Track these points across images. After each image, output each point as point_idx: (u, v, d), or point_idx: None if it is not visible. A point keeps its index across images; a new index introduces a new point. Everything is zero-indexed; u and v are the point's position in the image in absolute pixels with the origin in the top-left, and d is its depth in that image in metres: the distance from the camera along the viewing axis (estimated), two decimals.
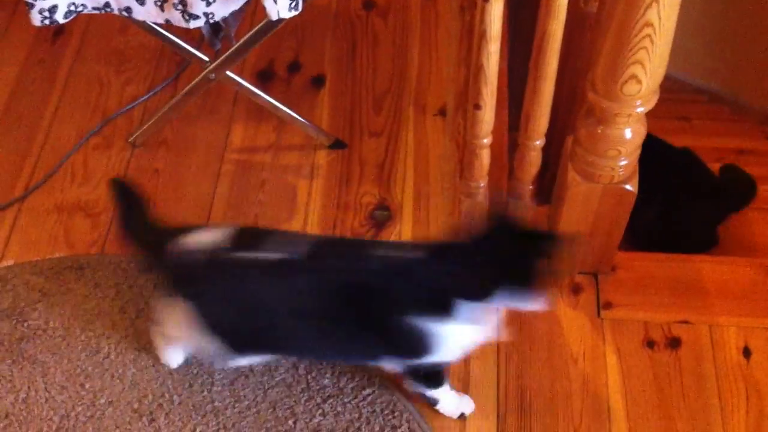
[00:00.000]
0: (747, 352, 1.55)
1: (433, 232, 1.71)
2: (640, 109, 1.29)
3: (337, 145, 1.83)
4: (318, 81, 1.97)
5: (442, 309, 1.18)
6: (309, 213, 1.74)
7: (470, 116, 1.38)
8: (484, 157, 1.45)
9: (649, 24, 1.15)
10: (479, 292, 1.15)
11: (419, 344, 1.22)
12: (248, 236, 1.28)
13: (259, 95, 1.75)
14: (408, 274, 1.19)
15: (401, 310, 1.19)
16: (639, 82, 1.23)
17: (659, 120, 3.39)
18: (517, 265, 1.13)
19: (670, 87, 4.34)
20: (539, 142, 1.44)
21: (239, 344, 1.32)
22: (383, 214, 1.73)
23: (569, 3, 1.25)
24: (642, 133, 1.36)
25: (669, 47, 1.21)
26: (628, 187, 1.43)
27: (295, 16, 1.44)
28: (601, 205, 1.46)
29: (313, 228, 1.71)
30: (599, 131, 1.34)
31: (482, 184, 1.52)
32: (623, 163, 1.39)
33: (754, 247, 1.88)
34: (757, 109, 3.38)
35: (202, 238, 1.26)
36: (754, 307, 1.61)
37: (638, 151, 1.40)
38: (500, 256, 1.14)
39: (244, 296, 1.25)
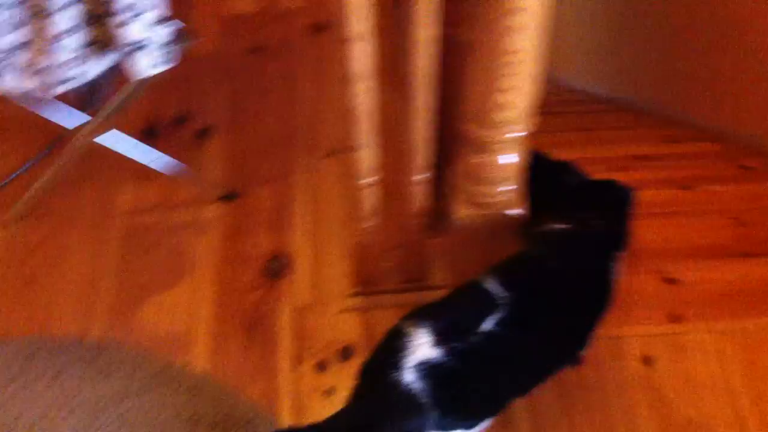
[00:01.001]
0: (647, 361, 1.57)
1: (331, 276, 1.69)
2: (516, 134, 1.30)
3: (228, 196, 1.80)
4: (206, 132, 1.94)
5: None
6: (201, 271, 1.70)
7: (351, 157, 1.37)
8: (369, 197, 1.44)
9: (514, 51, 1.17)
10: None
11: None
12: None
13: (142, 154, 1.71)
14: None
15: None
16: (511, 108, 1.24)
17: (563, 133, 3.47)
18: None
19: (574, 99, 4.46)
20: (420, 177, 1.43)
21: None
22: (278, 264, 1.70)
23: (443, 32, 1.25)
24: (523, 156, 1.37)
25: (539, 71, 1.23)
26: (515, 212, 1.44)
27: (177, 67, 1.41)
28: (491, 232, 1.47)
29: (205, 286, 1.68)
30: (478, 160, 1.34)
31: (373, 224, 1.51)
32: (507, 188, 1.40)
33: (643, 254, 1.91)
34: (656, 114, 3.47)
35: None
36: (648, 315, 1.63)
37: (522, 175, 1.41)
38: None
39: None
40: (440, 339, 1.17)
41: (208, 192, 1.79)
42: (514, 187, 1.40)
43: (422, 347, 1.16)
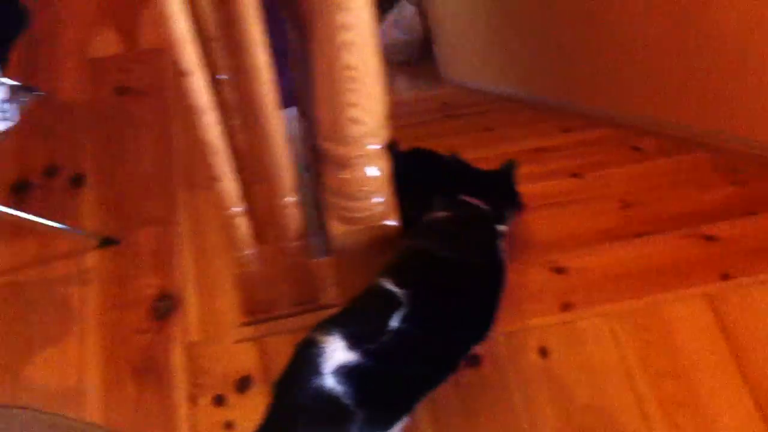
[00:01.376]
0: (543, 352, 1.58)
1: (221, 308, 1.66)
2: (372, 147, 1.29)
3: (107, 242, 1.75)
4: (79, 180, 1.89)
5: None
6: (87, 321, 1.65)
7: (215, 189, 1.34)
8: (241, 226, 1.42)
9: (349, 66, 1.16)
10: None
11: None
12: None
13: (7, 212, 1.66)
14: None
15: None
16: (360, 123, 1.23)
17: (468, 134, 3.48)
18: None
19: (477, 100, 4.47)
20: (292, 199, 1.41)
21: None
22: (165, 303, 1.66)
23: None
24: (385, 167, 1.36)
25: (381, 85, 1.22)
26: (389, 222, 1.43)
27: (44, 117, 1.37)
28: (370, 246, 1.45)
29: (92, 336, 1.63)
30: (341, 176, 1.33)
31: (250, 252, 1.49)
32: (378, 200, 1.39)
33: (533, 246, 1.92)
34: (553, 106, 3.53)
35: None
36: (541, 306, 1.64)
37: (391, 185, 1.41)
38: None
39: None
40: (353, 342, 1.17)
41: (87, 240, 1.74)
42: (383, 199, 1.39)
43: (337, 352, 1.16)
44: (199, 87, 1.17)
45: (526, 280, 1.68)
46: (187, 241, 1.76)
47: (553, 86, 3.55)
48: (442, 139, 3.36)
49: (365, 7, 1.11)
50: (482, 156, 2.92)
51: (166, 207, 1.83)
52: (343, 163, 1.31)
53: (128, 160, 1.92)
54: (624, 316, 1.61)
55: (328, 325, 1.21)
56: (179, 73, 1.15)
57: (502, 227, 1.51)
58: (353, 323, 1.23)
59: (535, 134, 3.21)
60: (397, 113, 4.30)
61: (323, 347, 1.17)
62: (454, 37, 5.11)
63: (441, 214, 1.47)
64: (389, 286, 1.28)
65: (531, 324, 1.61)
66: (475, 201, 1.50)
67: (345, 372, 1.15)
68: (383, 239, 1.44)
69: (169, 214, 1.81)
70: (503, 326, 1.60)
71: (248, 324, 1.63)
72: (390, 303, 1.24)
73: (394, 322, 1.22)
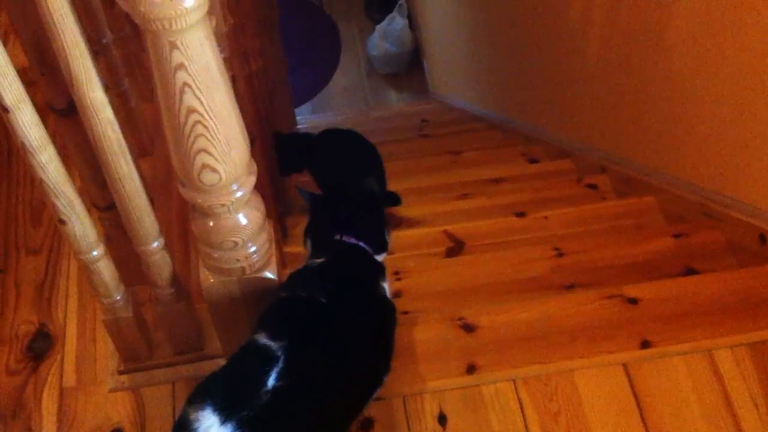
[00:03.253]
0: (443, 419, 1.45)
1: (100, 353, 1.54)
2: (238, 194, 1.17)
3: None
4: None
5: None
6: None
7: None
8: (102, 270, 1.29)
9: (192, 110, 1.04)
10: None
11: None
12: None
13: None
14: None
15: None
16: (214, 170, 1.11)
17: (434, 156, 3.36)
18: None
19: (457, 118, 4.37)
20: (157, 244, 1.29)
21: None
22: (43, 343, 1.54)
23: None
24: (256, 217, 1.24)
25: (235, 128, 1.10)
26: (267, 275, 1.31)
27: None
28: (246, 298, 1.33)
29: None
30: (207, 224, 1.21)
31: (118, 297, 1.37)
32: (251, 250, 1.27)
33: (452, 294, 1.80)
34: (521, 132, 3.42)
35: None
36: (444, 367, 1.51)
37: (264, 235, 1.28)
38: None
39: None
40: (226, 414, 1.06)
41: None
42: (255, 248, 1.26)
43: (212, 429, 1.05)
44: (29, 123, 1.05)
45: (430, 336, 1.55)
46: (73, 276, 1.63)
47: (525, 112, 3.43)
48: (409, 160, 3.25)
49: (205, 43, 0.98)
50: (442, 183, 2.82)
51: (56, 236, 1.70)
52: (206, 212, 1.18)
53: (21, 182, 1.80)
54: (531, 383, 1.48)
55: (200, 396, 1.10)
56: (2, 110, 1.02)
57: (383, 256, 1.38)
58: (226, 390, 1.12)
59: (498, 162, 3.09)
60: (375, 128, 4.20)
61: (196, 428, 1.06)
62: (439, 53, 5.00)
63: (315, 260, 1.35)
64: (263, 340, 1.16)
65: (431, 386, 1.49)
66: (350, 239, 1.37)
67: None
68: (260, 293, 1.32)
69: (58, 244, 1.69)
70: (400, 387, 1.48)
71: (125, 372, 1.51)
72: (265, 359, 1.13)
73: (271, 381, 1.10)
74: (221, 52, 1.41)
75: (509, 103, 3.68)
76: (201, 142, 1.07)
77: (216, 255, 1.26)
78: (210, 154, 1.09)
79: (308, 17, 5.83)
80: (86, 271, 1.29)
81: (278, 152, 2.46)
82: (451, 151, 3.36)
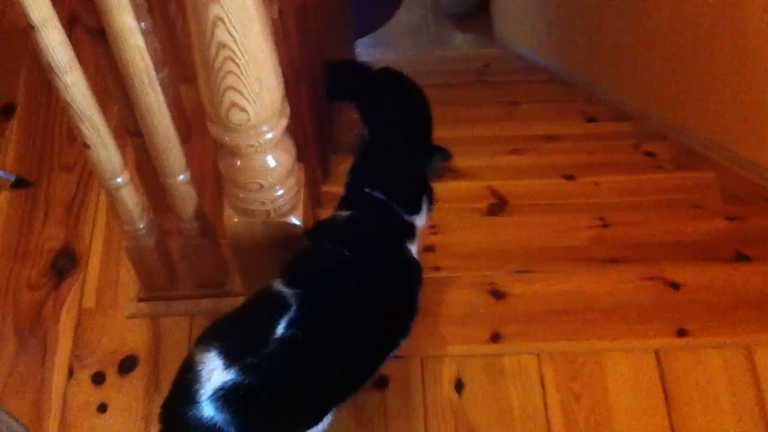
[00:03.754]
0: (460, 386, 1.41)
1: (122, 278, 1.52)
2: (267, 136, 1.12)
3: (20, 184, 1.62)
4: (7, 111, 1.75)
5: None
6: None
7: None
8: (125, 198, 1.26)
9: (223, 45, 0.98)
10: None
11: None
12: None
13: None
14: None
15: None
16: (242, 110, 1.05)
17: (491, 106, 3.27)
18: None
19: (520, 67, 4.23)
20: (183, 177, 1.25)
21: None
22: (66, 261, 1.53)
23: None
24: (285, 158, 1.18)
25: (269, 68, 1.04)
26: (292, 220, 1.26)
27: None
28: (269, 241, 1.29)
29: None
30: (234, 163, 1.16)
31: (141, 226, 1.33)
32: (277, 194, 1.22)
33: (485, 256, 1.73)
34: (585, 89, 3.30)
35: None
36: (468, 332, 1.46)
37: (293, 179, 1.23)
38: None
39: None
40: (230, 359, 1.02)
41: (1, 179, 1.61)
42: (281, 193, 1.21)
43: (215, 373, 1.02)
44: (56, 42, 1.00)
45: (458, 298, 1.50)
46: (103, 198, 1.61)
47: (590, 69, 3.30)
48: (464, 107, 3.16)
49: None
50: (494, 135, 2.73)
51: None
52: (233, 151, 1.13)
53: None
54: (557, 359, 1.42)
55: (208, 339, 1.06)
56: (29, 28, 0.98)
57: (415, 218, 1.32)
58: (234, 334, 1.08)
59: (555, 117, 2.98)
60: (435, 69, 4.10)
61: (200, 370, 1.02)
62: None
63: (342, 213, 1.29)
64: (278, 287, 1.12)
65: (451, 351, 1.44)
66: (379, 194, 1.30)
67: (223, 396, 1.01)
68: (284, 237, 1.27)
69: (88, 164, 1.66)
70: (421, 348, 1.43)
71: (145, 300, 1.49)
72: (278, 306, 1.08)
73: (281, 329, 1.06)
74: None
75: (574, 57, 3.54)
76: (231, 80, 1.02)
77: (241, 195, 1.21)
78: (239, 92, 1.03)
79: None
80: (109, 197, 1.26)
81: (327, 77, 2.40)
82: (508, 101, 3.27)
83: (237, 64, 1.00)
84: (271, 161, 1.16)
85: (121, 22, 1.00)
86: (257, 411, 1.05)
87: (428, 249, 1.74)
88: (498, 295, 1.49)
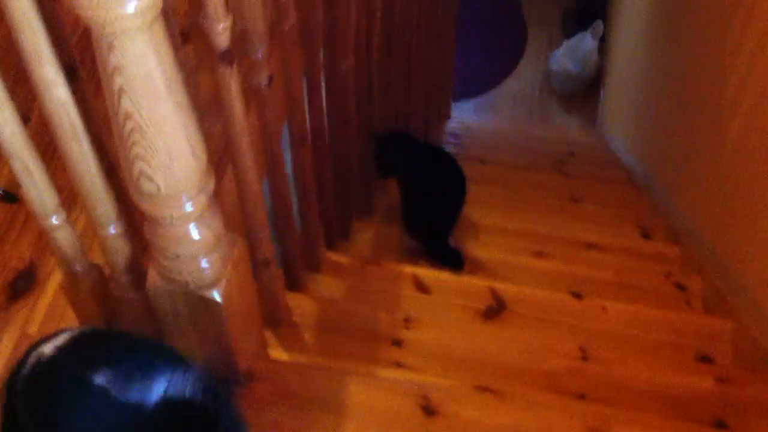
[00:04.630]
0: None
1: (70, 312, 1.51)
2: (184, 209, 1.09)
3: (7, 197, 1.64)
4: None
5: None
6: None
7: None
8: (59, 239, 1.25)
9: (129, 115, 0.96)
10: None
11: None
12: None
13: None
14: None
15: None
16: (151, 179, 1.03)
17: (548, 197, 3.16)
18: None
19: (605, 159, 4.09)
20: (113, 230, 1.24)
21: None
22: (25, 283, 1.54)
23: None
24: (207, 235, 1.15)
25: (181, 144, 1.01)
26: (212, 295, 1.22)
27: None
28: (192, 312, 1.26)
29: None
30: (153, 229, 1.14)
31: (78, 268, 1.33)
32: (198, 266, 1.19)
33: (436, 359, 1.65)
34: (654, 195, 3.15)
35: None
36: None
37: (216, 254, 1.20)
38: None
39: None
40: None
41: None
42: (202, 266, 1.18)
43: None
44: None
45: (386, 405, 1.42)
46: (80, 225, 1.61)
47: (664, 175, 3.15)
48: (521, 193, 3.08)
49: (148, 51, 0.90)
50: (529, 229, 2.62)
51: None
52: (147, 217, 1.11)
53: None
54: None
55: None
56: None
57: None
58: None
59: (610, 224, 2.86)
60: (519, 145, 4.02)
61: None
62: (618, 88, 4.70)
63: None
64: None
65: None
66: None
67: None
68: (203, 310, 1.24)
69: None
70: None
71: None
72: None
73: None
74: (257, 53, 1.33)
75: (652, 159, 3.41)
76: (137, 150, 0.99)
77: (162, 261, 1.18)
78: (147, 163, 1.01)
79: (500, 12, 5.66)
80: (46, 237, 1.26)
81: (374, 153, 2.39)
82: (571, 197, 3.16)
83: (143, 136, 0.98)
84: (190, 233, 1.14)
85: (40, 74, 1.00)
86: None
87: (395, 342, 1.67)
88: (430, 411, 1.41)
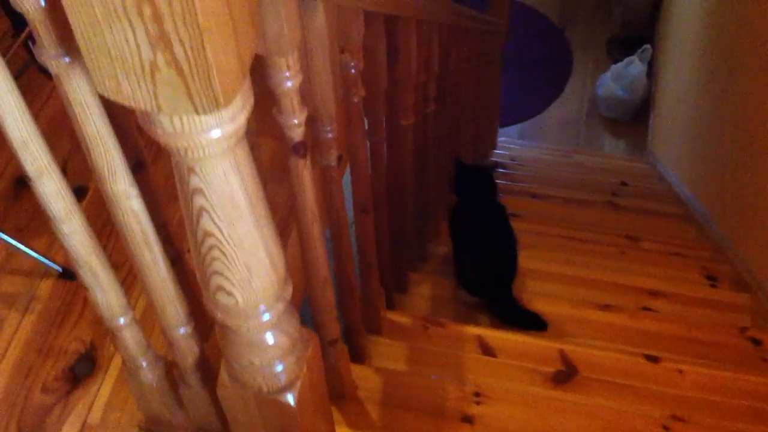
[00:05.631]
0: None
1: (132, 399, 1.47)
2: (260, 318, 1.04)
3: (66, 274, 1.60)
4: (80, 193, 1.75)
5: None
6: (6, 354, 1.51)
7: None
8: (126, 338, 1.21)
9: (209, 233, 0.91)
10: None
11: None
12: None
13: None
14: None
15: None
16: (229, 294, 0.98)
17: (604, 235, 3.07)
18: None
19: (659, 191, 3.99)
20: (183, 331, 1.19)
21: None
22: (85, 367, 1.49)
23: None
24: (283, 342, 1.10)
25: (260, 258, 0.96)
26: (287, 398, 1.17)
27: None
28: (263, 414, 1.20)
29: (3, 375, 1.48)
30: (227, 336, 1.09)
31: (144, 364, 1.28)
32: (272, 370, 1.13)
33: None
34: (717, 240, 3.05)
35: None
36: None
37: (292, 357, 1.14)
38: None
39: None
40: None
41: (48, 267, 1.60)
42: (276, 370, 1.13)
43: None
44: (49, 193, 0.97)
45: None
46: (140, 308, 1.57)
47: (726, 218, 3.05)
48: (575, 233, 2.99)
49: (230, 173, 0.85)
50: (590, 277, 2.54)
51: None
52: (221, 324, 1.06)
53: None
54: None
55: None
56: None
57: None
58: None
59: (672, 268, 2.76)
60: (568, 177, 3.93)
61: None
62: (669, 113, 4.59)
63: None
64: None
65: None
66: None
67: None
68: (276, 413, 1.18)
69: None
70: None
71: (145, 430, 1.43)
72: None
73: None
74: (327, 133, 1.28)
75: (713, 198, 3.30)
76: (216, 265, 0.94)
77: (235, 365, 1.13)
78: (226, 278, 0.96)
79: (544, 37, 5.59)
80: (111, 336, 1.21)
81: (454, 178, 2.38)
82: (628, 235, 3.07)
83: (223, 253, 0.93)
84: (266, 340, 1.08)
85: (115, 190, 0.95)
86: None
87: (466, 419, 1.61)
88: None
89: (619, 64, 5.07)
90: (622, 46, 5.29)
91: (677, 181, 3.98)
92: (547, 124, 5.23)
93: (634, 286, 2.47)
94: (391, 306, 2.14)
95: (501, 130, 5.12)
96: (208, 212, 0.88)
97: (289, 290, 1.06)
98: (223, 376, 1.18)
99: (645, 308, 2.38)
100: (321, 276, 1.38)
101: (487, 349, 1.95)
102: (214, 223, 0.89)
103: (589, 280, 2.47)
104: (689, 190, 3.73)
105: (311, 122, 1.32)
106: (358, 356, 1.79)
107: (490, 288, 2.20)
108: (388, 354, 1.90)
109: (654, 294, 2.45)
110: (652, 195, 3.93)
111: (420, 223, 2.39)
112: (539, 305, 2.20)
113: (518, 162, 4.34)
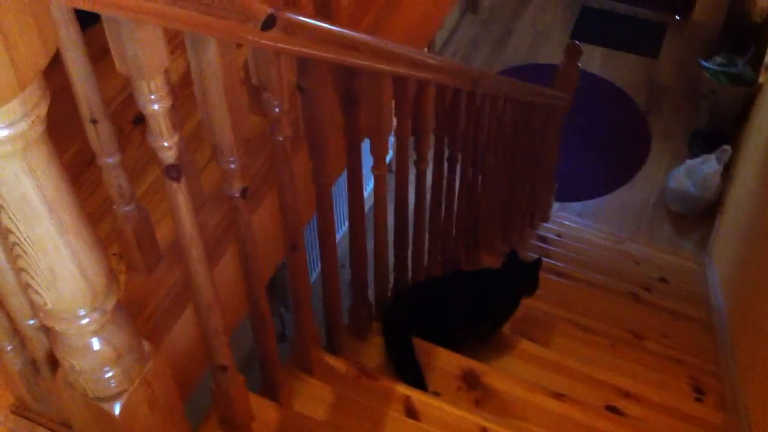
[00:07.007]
0: None
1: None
2: (81, 322, 1.07)
3: None
4: None
5: None
6: None
7: None
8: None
9: (8, 231, 0.95)
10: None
11: None
12: None
13: None
14: None
15: None
16: (37, 293, 1.01)
17: (609, 327, 2.99)
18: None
19: (694, 295, 3.83)
20: (33, 322, 1.23)
21: None
22: None
23: None
24: (105, 350, 1.12)
25: (66, 265, 0.99)
26: (112, 407, 1.19)
27: None
28: (96, 419, 1.23)
29: None
30: (51, 333, 1.12)
31: (9, 347, 1.33)
32: (100, 377, 1.16)
33: None
34: (728, 347, 2.93)
35: None
36: None
37: (118, 369, 1.17)
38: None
39: None
40: None
41: None
42: (103, 377, 1.15)
43: None
44: None
45: None
46: None
47: (740, 338, 2.93)
48: (588, 321, 2.93)
49: (22, 175, 0.89)
50: (560, 364, 2.47)
51: None
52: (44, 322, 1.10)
53: None
54: None
55: None
56: None
57: None
58: None
59: (659, 372, 2.67)
60: (608, 263, 3.84)
61: None
62: (735, 218, 4.41)
63: None
64: None
65: None
66: None
67: None
68: (100, 421, 1.21)
69: None
70: None
71: (13, 411, 1.47)
72: None
73: None
74: (231, 163, 1.31)
75: (738, 308, 3.17)
76: (21, 263, 0.98)
77: (64, 363, 1.16)
78: (31, 277, 0.99)
79: (627, 120, 5.51)
80: None
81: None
82: (632, 331, 2.98)
83: (24, 251, 0.96)
84: (90, 346, 1.11)
85: None
86: None
87: None
88: None
89: (696, 160, 4.94)
90: (704, 143, 5.15)
91: (718, 288, 3.83)
92: (611, 206, 5.12)
93: (606, 382, 2.39)
94: (340, 351, 2.14)
95: (562, 204, 5.04)
96: (4, 209, 0.92)
97: (111, 302, 1.08)
98: (60, 373, 1.21)
99: (609, 407, 2.29)
100: (204, 301, 1.40)
101: (411, 412, 1.93)
102: (11, 220, 0.93)
103: (560, 365, 2.40)
104: (723, 299, 3.59)
105: (215, 152, 1.35)
106: (270, 390, 1.80)
107: (394, 325, 2.22)
108: (312, 395, 1.90)
109: (627, 395, 2.37)
110: (687, 297, 3.79)
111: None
112: (490, 378, 2.16)
113: (562, 239, 4.26)
